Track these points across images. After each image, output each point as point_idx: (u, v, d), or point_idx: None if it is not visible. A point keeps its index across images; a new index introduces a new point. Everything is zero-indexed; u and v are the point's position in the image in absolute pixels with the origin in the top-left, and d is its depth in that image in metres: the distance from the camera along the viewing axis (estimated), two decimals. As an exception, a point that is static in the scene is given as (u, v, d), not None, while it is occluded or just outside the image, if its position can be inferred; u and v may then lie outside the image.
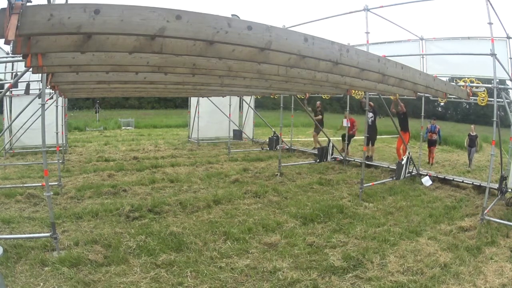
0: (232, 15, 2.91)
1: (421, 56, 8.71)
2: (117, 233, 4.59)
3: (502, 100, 6.25)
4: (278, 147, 9.97)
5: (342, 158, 10.18)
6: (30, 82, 6.44)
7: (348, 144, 10.75)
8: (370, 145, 9.92)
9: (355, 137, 11.78)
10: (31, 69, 3.15)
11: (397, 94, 8.26)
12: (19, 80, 5.67)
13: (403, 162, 7.80)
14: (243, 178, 8.00)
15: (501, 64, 5.71)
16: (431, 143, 10.65)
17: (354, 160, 10.25)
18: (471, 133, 10.62)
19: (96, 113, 24.36)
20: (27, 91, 6.21)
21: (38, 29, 1.77)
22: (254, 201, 6.29)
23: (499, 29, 6.51)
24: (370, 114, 9.86)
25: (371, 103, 9.86)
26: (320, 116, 11.64)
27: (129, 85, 5.44)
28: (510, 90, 7.02)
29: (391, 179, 7.88)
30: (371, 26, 6.76)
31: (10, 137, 9.57)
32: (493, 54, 5.41)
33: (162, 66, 3.48)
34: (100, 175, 7.87)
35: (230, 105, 12.94)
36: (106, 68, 3.69)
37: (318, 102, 11.96)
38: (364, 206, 6.18)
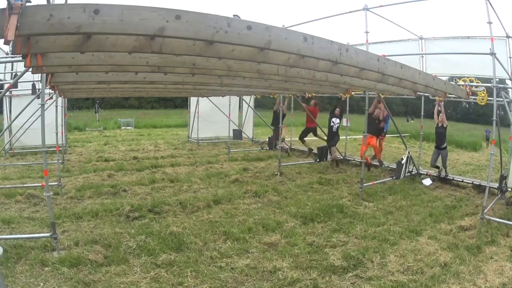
0: (233, 15, 2.91)
1: (421, 55, 8.69)
2: (117, 233, 4.58)
3: (501, 99, 6.26)
4: (278, 146, 9.96)
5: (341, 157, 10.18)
6: (35, 82, 6.38)
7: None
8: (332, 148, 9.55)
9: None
10: (30, 69, 3.15)
11: (382, 96, 8.11)
12: (19, 80, 5.66)
13: (403, 162, 7.81)
14: (243, 178, 7.99)
15: (501, 64, 5.71)
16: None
17: (354, 160, 10.26)
18: (439, 123, 7.56)
19: (96, 113, 24.39)
20: (33, 91, 6.15)
21: (38, 29, 1.77)
22: (254, 201, 6.29)
23: (499, 28, 6.52)
24: (337, 120, 9.41)
25: (337, 109, 9.38)
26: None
27: (129, 85, 5.45)
28: (509, 89, 7.01)
29: (391, 178, 7.88)
30: (370, 25, 6.77)
31: (10, 137, 9.55)
32: (492, 54, 5.41)
33: (161, 66, 3.48)
34: (100, 175, 7.86)
35: (229, 105, 12.93)
36: (106, 68, 3.70)
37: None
38: (364, 205, 6.17)
